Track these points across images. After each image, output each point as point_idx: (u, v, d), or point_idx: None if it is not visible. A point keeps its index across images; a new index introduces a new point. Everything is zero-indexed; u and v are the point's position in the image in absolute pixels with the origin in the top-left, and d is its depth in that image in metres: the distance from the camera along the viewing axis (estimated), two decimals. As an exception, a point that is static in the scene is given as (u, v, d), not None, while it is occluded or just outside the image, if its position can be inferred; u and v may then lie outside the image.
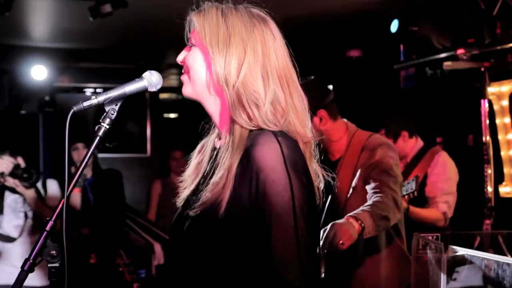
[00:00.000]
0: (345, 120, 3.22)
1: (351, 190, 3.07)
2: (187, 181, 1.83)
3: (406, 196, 3.98)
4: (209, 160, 1.79)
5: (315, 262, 1.66)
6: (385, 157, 3.03)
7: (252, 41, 1.68)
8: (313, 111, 3.02)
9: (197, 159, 1.85)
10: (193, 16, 1.73)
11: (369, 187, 3.00)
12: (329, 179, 1.79)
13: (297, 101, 1.72)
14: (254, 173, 1.60)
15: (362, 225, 2.77)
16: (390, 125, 4.56)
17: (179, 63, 1.78)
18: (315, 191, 1.70)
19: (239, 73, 1.66)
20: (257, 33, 1.69)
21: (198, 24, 1.71)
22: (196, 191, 1.74)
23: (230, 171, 1.63)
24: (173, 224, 1.78)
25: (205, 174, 1.77)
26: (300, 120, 1.71)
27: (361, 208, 2.87)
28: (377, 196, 2.92)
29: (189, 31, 1.77)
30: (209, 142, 1.84)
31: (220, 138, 1.77)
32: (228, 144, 1.69)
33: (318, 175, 1.75)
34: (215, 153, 1.77)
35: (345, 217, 2.80)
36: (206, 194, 1.66)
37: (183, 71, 1.78)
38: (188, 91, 1.76)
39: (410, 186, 4.01)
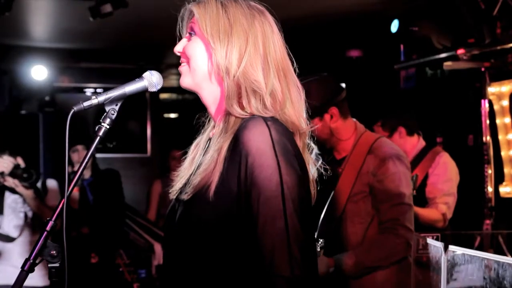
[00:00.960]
0: (354, 119, 3.20)
1: (352, 193, 3.04)
2: (181, 175, 1.81)
3: None
4: (203, 151, 1.79)
5: (309, 253, 1.58)
6: (395, 177, 2.96)
7: (253, 32, 1.68)
8: (325, 107, 3.04)
9: (192, 155, 1.84)
10: (192, 7, 1.73)
11: (381, 218, 2.96)
12: (322, 171, 1.77)
13: (293, 92, 1.72)
14: (243, 157, 1.58)
15: (339, 268, 2.86)
16: (388, 118, 4.55)
17: (177, 53, 1.77)
18: (309, 181, 1.68)
19: (240, 63, 1.66)
20: (257, 24, 1.69)
21: (199, 15, 1.70)
22: (189, 180, 1.72)
23: (219, 155, 1.62)
24: (168, 214, 1.78)
25: (198, 164, 1.76)
26: (296, 112, 1.71)
27: (363, 249, 2.90)
28: (391, 233, 2.91)
29: (182, 22, 1.77)
30: (203, 137, 1.83)
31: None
32: (220, 132, 1.68)
33: (311, 166, 1.73)
34: (208, 143, 1.77)
35: (334, 257, 2.88)
36: (196, 178, 1.65)
37: (181, 61, 1.77)
38: (187, 81, 1.75)
39: None
